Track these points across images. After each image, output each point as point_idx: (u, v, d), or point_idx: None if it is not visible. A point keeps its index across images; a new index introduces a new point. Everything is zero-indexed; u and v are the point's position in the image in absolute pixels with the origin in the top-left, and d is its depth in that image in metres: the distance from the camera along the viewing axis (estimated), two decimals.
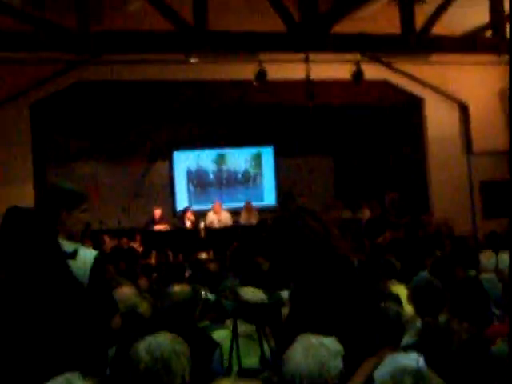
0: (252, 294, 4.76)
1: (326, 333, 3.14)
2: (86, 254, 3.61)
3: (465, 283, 5.21)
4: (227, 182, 19.35)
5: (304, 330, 3.21)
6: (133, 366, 3.01)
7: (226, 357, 4.44)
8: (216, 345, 4.44)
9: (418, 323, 4.56)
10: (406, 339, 4.36)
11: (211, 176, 19.28)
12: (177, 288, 4.53)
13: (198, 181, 19.14)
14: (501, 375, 3.54)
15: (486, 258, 6.88)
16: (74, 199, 3.76)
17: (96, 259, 3.61)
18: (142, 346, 3.03)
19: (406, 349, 3.94)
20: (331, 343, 3.13)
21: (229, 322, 4.83)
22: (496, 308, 5.29)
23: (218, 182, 19.29)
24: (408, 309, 5.18)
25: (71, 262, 3.41)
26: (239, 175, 19.48)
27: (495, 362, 3.76)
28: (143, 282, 7.70)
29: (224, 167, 19.39)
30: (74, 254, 3.50)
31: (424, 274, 5.51)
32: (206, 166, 19.26)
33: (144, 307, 4.52)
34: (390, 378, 2.40)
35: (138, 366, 2.99)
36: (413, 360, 3.53)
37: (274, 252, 3.57)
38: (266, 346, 4.52)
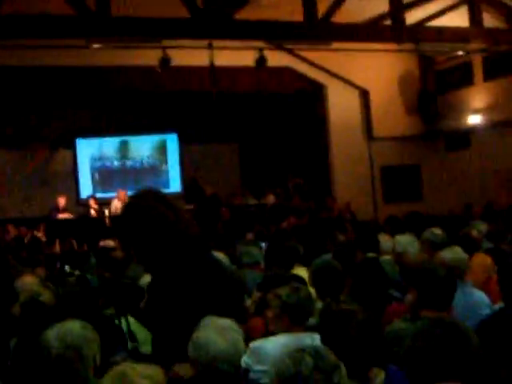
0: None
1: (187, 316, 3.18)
2: None
3: (364, 265, 5.37)
4: (132, 169, 19.17)
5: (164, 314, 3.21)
6: (43, 353, 2.98)
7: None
8: (121, 330, 4.44)
9: (319, 305, 4.67)
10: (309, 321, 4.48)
11: (115, 163, 19.06)
12: (80, 276, 4.48)
13: (102, 169, 18.91)
14: (396, 354, 3.69)
15: (384, 241, 7.07)
16: None
17: None
18: (52, 334, 3.00)
19: (308, 330, 4.06)
20: (235, 324, 3.19)
21: None
22: (394, 290, 5.47)
23: (122, 170, 19.09)
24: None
25: None
26: (144, 163, 19.34)
27: (392, 341, 3.91)
28: (40, 271, 7.56)
29: (128, 154, 19.20)
30: None
31: (324, 256, 5.62)
32: (110, 153, 19.02)
33: (46, 295, 4.46)
34: (288, 357, 2.47)
35: (49, 353, 2.96)
36: (312, 339, 3.66)
37: (127, 239, 3.51)
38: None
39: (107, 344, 4.29)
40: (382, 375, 3.20)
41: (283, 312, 4.08)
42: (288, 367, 2.42)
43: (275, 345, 3.90)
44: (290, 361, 2.44)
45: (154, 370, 2.40)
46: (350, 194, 15.91)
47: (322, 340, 3.44)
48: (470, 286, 5.20)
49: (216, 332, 3.11)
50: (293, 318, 4.03)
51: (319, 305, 4.66)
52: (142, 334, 4.55)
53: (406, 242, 6.48)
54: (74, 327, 3.05)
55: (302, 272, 5.98)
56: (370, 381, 3.09)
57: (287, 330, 4.01)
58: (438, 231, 6.54)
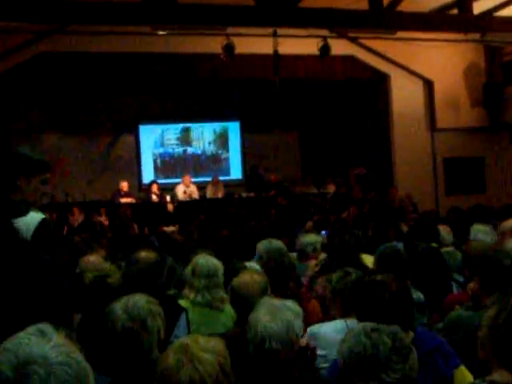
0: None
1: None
2: (34, 216, 3.53)
3: (426, 254, 5.34)
4: (193, 156, 19.33)
5: None
6: (110, 325, 3.07)
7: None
8: (182, 310, 4.51)
9: None
10: None
11: (177, 150, 19.25)
12: (143, 254, 4.52)
13: (164, 155, 19.10)
14: (456, 340, 3.70)
15: (445, 233, 7.04)
16: (33, 166, 3.65)
17: (42, 220, 3.51)
18: (119, 307, 3.10)
19: None
20: (292, 305, 3.22)
21: (187, 292, 4.88)
22: (458, 274, 5.48)
23: (184, 156, 19.26)
24: None
25: (19, 221, 3.31)
26: (205, 150, 19.48)
27: (453, 328, 3.90)
28: (102, 252, 7.69)
29: (190, 141, 19.36)
30: (20, 212, 3.42)
31: (390, 243, 5.61)
32: (172, 140, 19.21)
33: (115, 277, 4.52)
34: (366, 337, 2.46)
35: (115, 325, 3.06)
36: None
37: None
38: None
39: (169, 322, 4.38)
40: (410, 335, 3.22)
41: (334, 296, 4.12)
42: (365, 347, 2.41)
43: (333, 330, 3.92)
44: (367, 340, 2.42)
45: (217, 344, 2.43)
46: (412, 185, 15.76)
47: (358, 308, 3.44)
48: None
49: (267, 312, 3.15)
50: (344, 303, 4.06)
51: None
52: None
53: (478, 230, 6.46)
54: (139, 301, 3.14)
55: (368, 260, 5.99)
56: None
57: (343, 313, 4.04)
58: None
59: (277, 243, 6.28)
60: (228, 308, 4.64)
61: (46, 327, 1.74)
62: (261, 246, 6.15)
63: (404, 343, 2.44)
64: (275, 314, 3.14)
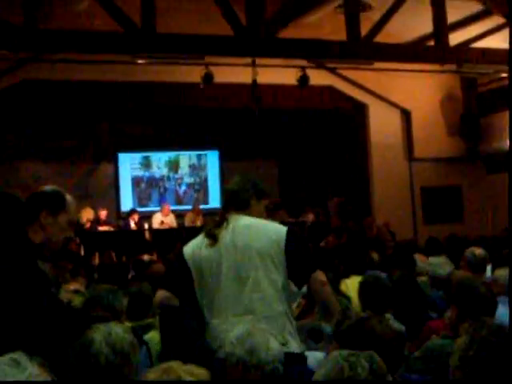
0: None
1: None
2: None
3: (401, 282, 5.36)
4: (173, 184, 19.34)
5: None
6: (92, 358, 2.90)
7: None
8: (143, 343, 4.41)
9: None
10: None
11: (157, 179, 19.25)
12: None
13: (143, 183, 19.09)
14: (433, 370, 3.70)
15: (421, 262, 7.07)
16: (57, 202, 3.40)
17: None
18: (100, 338, 2.93)
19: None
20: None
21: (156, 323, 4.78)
22: (431, 311, 5.47)
23: (163, 185, 19.26)
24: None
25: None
26: (184, 178, 19.49)
27: (431, 357, 3.91)
28: (81, 281, 7.68)
29: (169, 170, 19.38)
30: None
31: (374, 271, 5.61)
32: (152, 168, 19.22)
33: (77, 301, 4.51)
34: (344, 360, 2.47)
35: (98, 358, 2.89)
36: None
37: None
38: None
39: None
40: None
41: None
42: (343, 369, 2.41)
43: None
44: (345, 363, 2.43)
45: (201, 371, 2.43)
46: (390, 215, 15.81)
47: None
48: None
49: (269, 336, 3.13)
50: None
51: None
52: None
53: (436, 263, 6.44)
54: (120, 332, 2.99)
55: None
56: None
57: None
58: (478, 251, 6.47)
59: None
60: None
61: (19, 356, 1.73)
62: None
63: (381, 366, 2.46)
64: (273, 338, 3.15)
